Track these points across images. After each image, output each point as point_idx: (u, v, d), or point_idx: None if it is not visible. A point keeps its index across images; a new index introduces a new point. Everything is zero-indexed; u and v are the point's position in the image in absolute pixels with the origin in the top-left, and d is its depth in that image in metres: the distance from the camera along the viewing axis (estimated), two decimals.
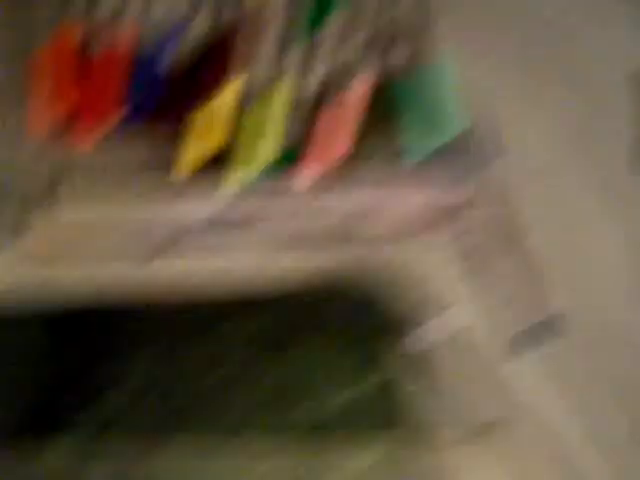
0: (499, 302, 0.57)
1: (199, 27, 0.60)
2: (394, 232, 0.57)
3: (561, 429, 0.63)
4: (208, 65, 0.66)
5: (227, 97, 0.62)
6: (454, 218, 0.59)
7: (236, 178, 0.63)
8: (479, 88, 0.59)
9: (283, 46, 0.61)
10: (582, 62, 0.72)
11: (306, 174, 0.59)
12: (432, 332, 0.58)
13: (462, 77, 0.56)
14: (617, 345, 0.63)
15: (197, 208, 0.59)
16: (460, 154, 0.54)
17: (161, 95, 0.70)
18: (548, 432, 0.61)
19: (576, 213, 0.59)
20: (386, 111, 0.58)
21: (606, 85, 0.65)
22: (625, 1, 0.64)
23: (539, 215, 0.58)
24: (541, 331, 0.56)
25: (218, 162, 0.68)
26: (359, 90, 0.57)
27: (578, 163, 0.62)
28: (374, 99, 0.58)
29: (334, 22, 0.56)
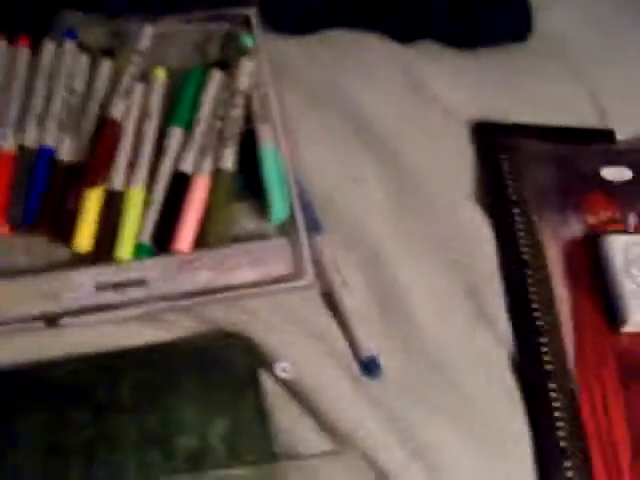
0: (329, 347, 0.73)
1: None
2: (245, 294, 0.73)
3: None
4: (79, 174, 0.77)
5: (91, 202, 0.76)
6: (289, 283, 0.75)
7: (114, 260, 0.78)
8: (309, 168, 0.75)
9: (136, 150, 0.78)
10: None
11: (176, 249, 0.75)
12: (284, 372, 0.75)
13: (290, 161, 0.71)
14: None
15: (88, 277, 0.73)
16: (291, 229, 0.69)
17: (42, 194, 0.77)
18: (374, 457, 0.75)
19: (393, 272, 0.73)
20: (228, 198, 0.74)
21: (449, 137, 0.76)
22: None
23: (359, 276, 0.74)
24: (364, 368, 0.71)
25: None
26: (200, 185, 0.74)
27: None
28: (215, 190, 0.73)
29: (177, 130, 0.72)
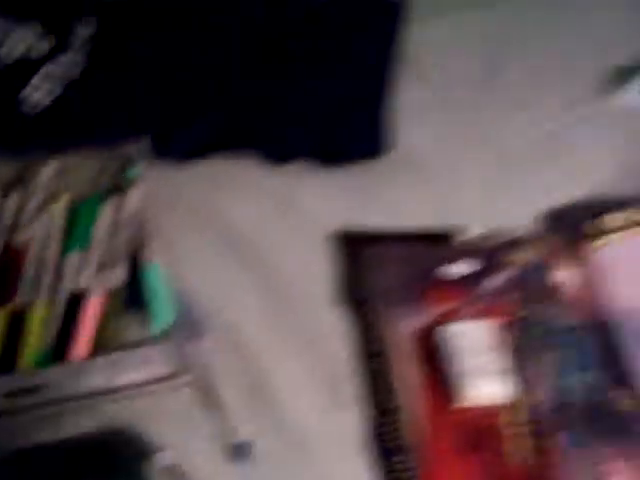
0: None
1: None
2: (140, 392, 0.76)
3: None
4: None
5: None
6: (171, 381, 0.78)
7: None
8: (190, 280, 0.80)
9: (38, 272, 0.81)
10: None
11: (76, 354, 0.77)
12: (166, 459, 0.78)
13: (172, 274, 0.75)
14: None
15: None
16: (173, 334, 0.73)
17: None
18: None
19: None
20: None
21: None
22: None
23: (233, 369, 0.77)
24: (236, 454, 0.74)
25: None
26: (94, 300, 0.77)
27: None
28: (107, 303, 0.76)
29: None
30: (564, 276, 0.76)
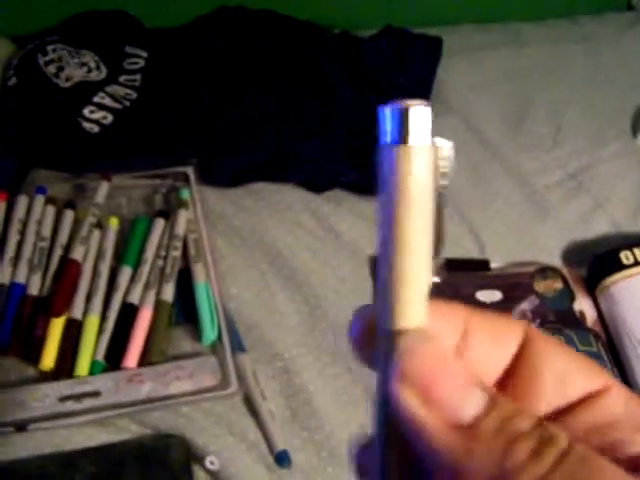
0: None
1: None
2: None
3: None
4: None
5: (55, 329, 0.78)
6: (216, 392, 0.76)
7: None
8: (234, 298, 0.80)
9: (92, 285, 0.82)
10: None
11: (125, 366, 0.77)
12: (212, 465, 0.77)
13: (218, 292, 0.75)
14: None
15: (52, 390, 0.74)
16: (219, 348, 0.73)
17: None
18: None
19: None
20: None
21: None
22: None
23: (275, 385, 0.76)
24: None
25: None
26: (145, 314, 0.78)
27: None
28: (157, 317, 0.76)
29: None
30: (585, 305, 0.80)
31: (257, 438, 0.68)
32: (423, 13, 1.09)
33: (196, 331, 0.72)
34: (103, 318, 0.70)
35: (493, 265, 0.83)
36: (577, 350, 0.76)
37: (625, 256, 0.81)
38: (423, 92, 0.90)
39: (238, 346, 0.71)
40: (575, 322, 0.78)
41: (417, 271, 0.25)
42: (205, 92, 0.86)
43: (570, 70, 1.04)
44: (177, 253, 0.74)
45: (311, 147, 0.84)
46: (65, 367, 0.68)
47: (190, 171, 0.81)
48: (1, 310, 0.70)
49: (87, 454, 0.66)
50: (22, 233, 0.76)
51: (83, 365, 0.68)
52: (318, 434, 0.70)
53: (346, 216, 0.83)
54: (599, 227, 0.88)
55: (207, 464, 0.66)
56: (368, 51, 0.93)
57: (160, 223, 0.77)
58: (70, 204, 0.77)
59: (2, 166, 0.79)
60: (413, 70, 0.92)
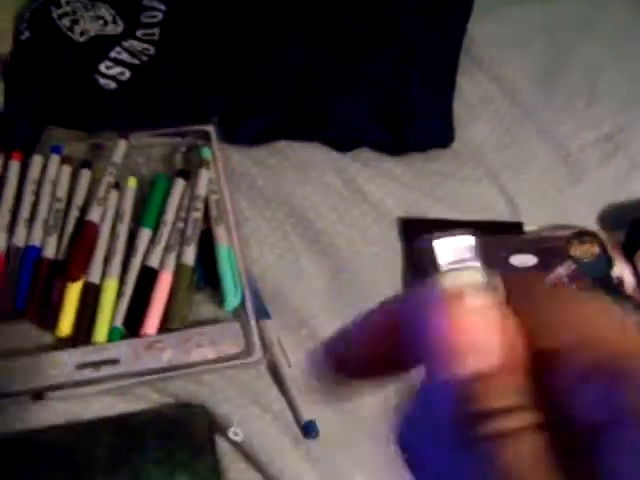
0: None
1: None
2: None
3: None
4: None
5: (72, 294, 0.76)
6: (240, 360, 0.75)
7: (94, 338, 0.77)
8: (258, 262, 0.78)
9: (110, 248, 0.80)
10: None
11: (144, 332, 0.75)
12: (236, 435, 0.75)
13: (241, 256, 0.73)
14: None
15: (69, 357, 0.73)
16: (242, 315, 0.71)
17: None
18: None
19: None
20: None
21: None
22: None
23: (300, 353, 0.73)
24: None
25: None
26: (165, 278, 0.74)
27: None
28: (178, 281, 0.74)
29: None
30: (623, 271, 0.76)
31: (282, 408, 0.66)
32: None
33: (218, 296, 0.68)
34: (121, 282, 0.68)
35: (527, 228, 0.79)
36: None
37: None
38: (452, 47, 0.86)
39: (262, 312, 0.68)
40: (614, 289, 0.75)
41: None
42: (226, 48, 0.82)
43: (606, 25, 0.99)
44: (198, 215, 0.71)
45: (338, 105, 0.81)
46: (82, 333, 0.66)
47: (211, 129, 0.77)
48: (16, 274, 0.67)
49: (105, 424, 0.63)
50: (37, 194, 0.73)
51: (101, 331, 0.66)
52: (347, 403, 0.67)
53: (373, 176, 0.79)
54: (636, 190, 0.84)
55: (231, 435, 0.63)
56: (395, 5, 0.89)
57: (180, 183, 0.73)
58: (86, 164, 0.74)
59: (16, 125, 0.75)
60: (442, 25, 0.88)
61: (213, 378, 0.65)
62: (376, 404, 0.66)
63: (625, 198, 0.84)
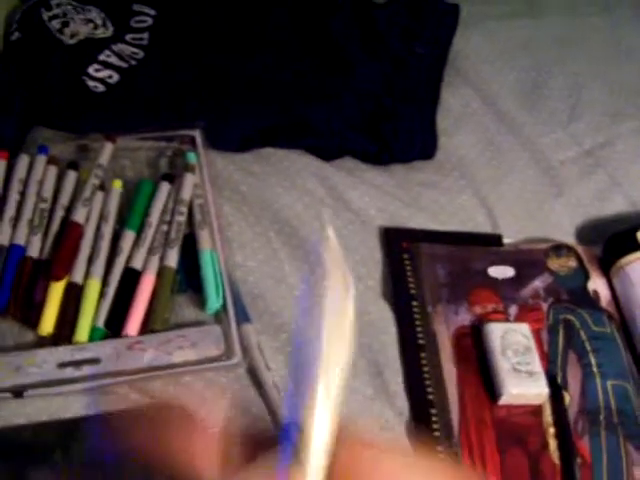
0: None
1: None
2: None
3: None
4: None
5: (55, 293, 0.78)
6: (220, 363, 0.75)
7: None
8: (240, 266, 0.79)
9: (94, 249, 0.81)
10: None
11: (126, 333, 0.76)
12: None
13: (224, 260, 0.74)
14: None
15: (50, 356, 0.73)
16: (223, 318, 0.73)
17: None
18: None
19: None
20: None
21: None
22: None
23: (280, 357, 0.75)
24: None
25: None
26: (147, 279, 0.76)
27: None
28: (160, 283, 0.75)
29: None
30: (599, 285, 0.78)
31: (261, 410, 0.66)
32: None
33: (200, 299, 0.69)
34: (104, 283, 0.68)
35: (506, 241, 0.80)
36: (590, 331, 0.73)
37: None
38: (438, 60, 0.87)
39: (243, 316, 0.69)
40: (589, 302, 0.76)
41: None
42: (214, 54, 0.83)
43: (589, 43, 1.01)
44: (182, 218, 0.72)
45: (322, 113, 0.82)
46: (64, 332, 0.66)
47: (197, 134, 0.78)
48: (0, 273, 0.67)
49: (84, 423, 0.63)
50: (22, 193, 0.73)
51: (83, 331, 0.66)
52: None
53: (357, 185, 0.80)
54: (615, 206, 0.85)
55: None
56: (382, 16, 0.90)
57: (165, 187, 0.74)
58: (73, 165, 0.75)
59: (3, 124, 0.76)
60: (429, 37, 0.89)
61: (193, 380, 0.66)
62: (357, 409, 0.67)
63: (604, 213, 0.86)
